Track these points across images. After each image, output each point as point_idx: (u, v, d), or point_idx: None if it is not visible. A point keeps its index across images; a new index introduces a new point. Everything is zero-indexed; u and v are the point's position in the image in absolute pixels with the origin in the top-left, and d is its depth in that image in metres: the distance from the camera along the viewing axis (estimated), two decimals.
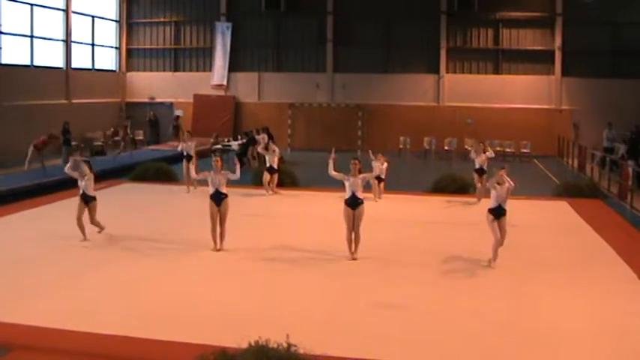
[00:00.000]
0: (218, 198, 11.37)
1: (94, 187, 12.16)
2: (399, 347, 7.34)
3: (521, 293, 9.38)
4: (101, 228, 12.15)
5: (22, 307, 8.34)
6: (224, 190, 11.41)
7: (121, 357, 7.09)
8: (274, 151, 17.66)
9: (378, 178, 16.37)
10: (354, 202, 10.89)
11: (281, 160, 18.32)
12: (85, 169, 12.09)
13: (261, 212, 15.20)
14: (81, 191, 12.01)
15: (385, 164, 16.67)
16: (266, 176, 17.42)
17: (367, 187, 13.49)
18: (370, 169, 15.20)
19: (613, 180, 19.29)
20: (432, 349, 7.36)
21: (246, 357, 6.33)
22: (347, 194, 10.98)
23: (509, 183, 10.64)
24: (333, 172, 11.40)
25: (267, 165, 17.49)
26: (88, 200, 11.94)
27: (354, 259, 10.92)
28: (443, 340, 7.55)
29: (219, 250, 11.38)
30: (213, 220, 11.38)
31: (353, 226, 10.90)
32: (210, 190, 11.44)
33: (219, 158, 11.74)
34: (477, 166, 16.25)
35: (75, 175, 12.24)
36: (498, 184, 10.63)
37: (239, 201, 15.80)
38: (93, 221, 12.04)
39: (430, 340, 7.57)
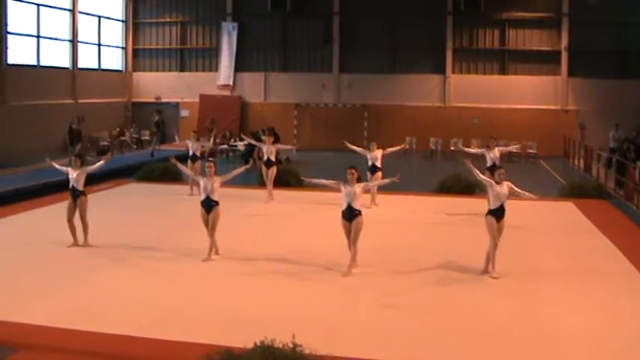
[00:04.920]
0: (208, 205, 10.81)
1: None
2: (404, 347, 7.34)
3: (525, 294, 9.36)
4: (86, 230, 11.60)
5: (28, 307, 8.36)
6: (216, 197, 10.80)
7: (127, 356, 7.12)
8: (274, 143, 16.95)
9: (373, 167, 15.54)
10: (349, 214, 10.07)
11: (287, 159, 18.28)
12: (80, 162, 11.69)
13: (265, 213, 15.19)
14: (70, 185, 11.54)
15: (380, 151, 15.67)
16: (264, 171, 16.66)
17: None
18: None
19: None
20: (436, 349, 7.35)
21: (251, 357, 6.34)
22: (343, 205, 10.14)
23: (514, 189, 10.16)
24: (323, 181, 10.73)
25: (265, 158, 16.71)
26: (76, 195, 11.48)
27: (345, 275, 10.05)
28: (446, 341, 7.55)
29: (207, 260, 10.75)
30: (206, 226, 10.92)
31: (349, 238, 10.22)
32: (202, 195, 10.96)
33: (212, 164, 11.08)
34: (489, 163, 14.62)
35: (64, 169, 11.81)
36: (497, 182, 10.09)
37: (243, 202, 15.84)
38: (83, 219, 11.55)
39: (434, 341, 7.57)
